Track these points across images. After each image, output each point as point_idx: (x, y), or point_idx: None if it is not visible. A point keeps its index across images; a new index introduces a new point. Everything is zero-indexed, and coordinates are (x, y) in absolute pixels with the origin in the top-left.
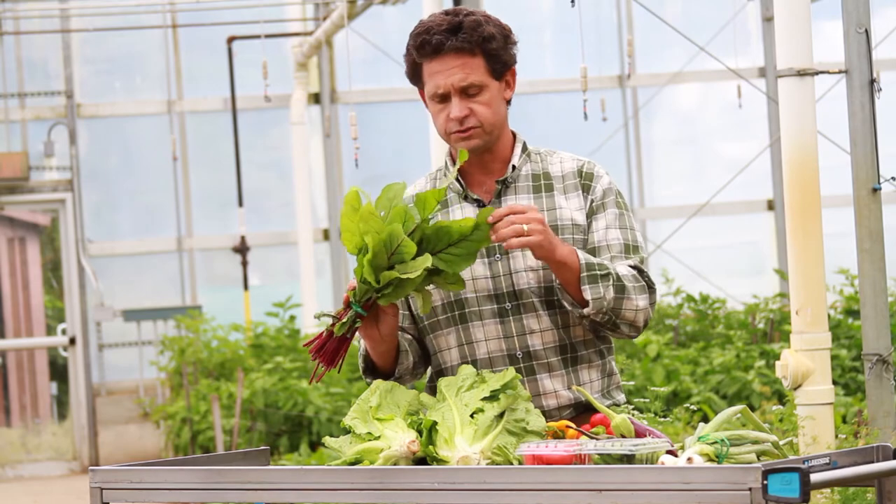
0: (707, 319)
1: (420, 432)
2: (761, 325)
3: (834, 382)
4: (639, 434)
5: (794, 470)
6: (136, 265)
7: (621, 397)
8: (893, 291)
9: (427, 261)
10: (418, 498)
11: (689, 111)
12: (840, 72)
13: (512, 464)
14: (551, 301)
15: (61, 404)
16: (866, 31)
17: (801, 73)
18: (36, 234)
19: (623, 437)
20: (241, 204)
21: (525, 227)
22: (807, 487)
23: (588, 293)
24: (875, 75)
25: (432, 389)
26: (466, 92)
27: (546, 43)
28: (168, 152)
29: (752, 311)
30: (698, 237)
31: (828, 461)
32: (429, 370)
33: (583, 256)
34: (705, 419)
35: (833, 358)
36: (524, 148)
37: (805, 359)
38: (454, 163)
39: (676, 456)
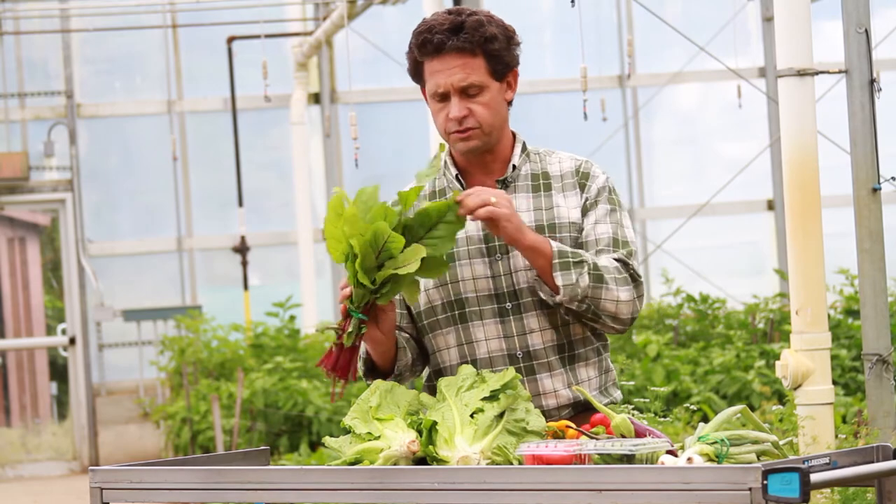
0: (707, 319)
1: (420, 432)
2: (761, 325)
3: (834, 382)
4: (639, 434)
5: (794, 470)
6: (136, 265)
7: (618, 394)
8: (893, 291)
9: (421, 251)
10: (418, 498)
11: (689, 111)
12: (840, 72)
13: (512, 464)
14: None
15: (61, 404)
16: (866, 31)
17: (801, 73)
18: (36, 234)
19: (623, 436)
20: (241, 204)
21: (493, 199)
22: (807, 487)
23: (559, 279)
24: (875, 75)
25: (431, 389)
26: (466, 92)
27: (546, 43)
28: (168, 152)
29: (752, 311)
30: (698, 237)
31: (828, 461)
32: (426, 369)
33: (556, 245)
34: (705, 419)
35: (833, 358)
36: (524, 148)
37: (805, 359)
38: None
39: (676, 456)
